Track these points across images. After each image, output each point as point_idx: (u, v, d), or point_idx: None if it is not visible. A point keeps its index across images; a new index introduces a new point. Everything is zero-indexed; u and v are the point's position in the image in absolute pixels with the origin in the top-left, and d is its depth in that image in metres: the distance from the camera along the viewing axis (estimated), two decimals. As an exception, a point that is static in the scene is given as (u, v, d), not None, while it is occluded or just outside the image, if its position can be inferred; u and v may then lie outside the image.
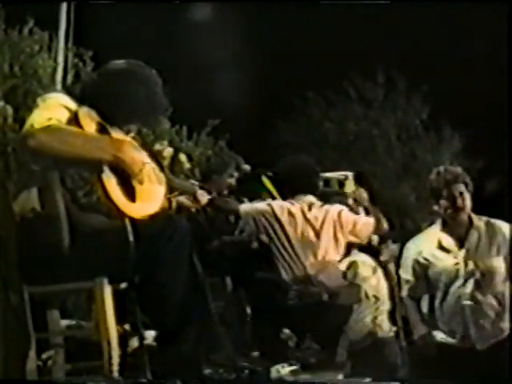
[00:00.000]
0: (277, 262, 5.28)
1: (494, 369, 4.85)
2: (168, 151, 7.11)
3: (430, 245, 5.07)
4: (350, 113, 18.44)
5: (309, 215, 5.28)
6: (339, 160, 16.87)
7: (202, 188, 5.41)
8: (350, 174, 6.20)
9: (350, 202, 6.02)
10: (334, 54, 16.14)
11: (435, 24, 15.82)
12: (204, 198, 5.11)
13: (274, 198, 5.74)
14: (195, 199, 5.06)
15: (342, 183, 6.15)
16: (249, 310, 5.28)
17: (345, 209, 5.41)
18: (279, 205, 5.32)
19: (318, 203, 5.35)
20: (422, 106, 18.31)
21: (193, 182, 5.75)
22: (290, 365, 4.33)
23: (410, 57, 16.56)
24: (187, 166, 7.33)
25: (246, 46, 15.82)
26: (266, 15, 15.63)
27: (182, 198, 5.01)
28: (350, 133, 18.47)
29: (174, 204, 4.58)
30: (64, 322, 4.06)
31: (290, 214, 5.27)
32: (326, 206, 5.34)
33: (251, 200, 5.89)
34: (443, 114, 17.24)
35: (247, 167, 5.87)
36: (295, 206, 5.29)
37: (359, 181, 6.17)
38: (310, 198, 5.34)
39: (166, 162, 6.80)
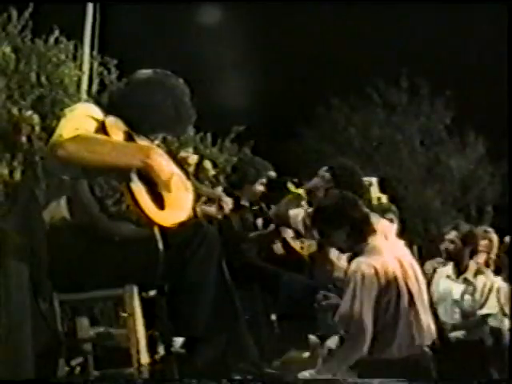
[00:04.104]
0: (309, 267, 5.31)
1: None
2: (193, 158, 7.14)
3: None
4: (373, 118, 18.40)
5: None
6: (363, 165, 16.80)
7: (231, 195, 5.44)
8: (374, 180, 6.21)
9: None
10: (357, 60, 16.12)
11: (459, 29, 15.76)
12: (228, 205, 5.12)
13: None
14: (220, 207, 5.08)
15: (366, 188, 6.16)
16: (275, 317, 5.29)
17: None
18: None
19: None
20: (445, 111, 18.24)
21: (218, 189, 5.77)
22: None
23: (434, 62, 16.52)
24: (212, 172, 7.36)
25: (270, 52, 15.84)
26: (290, 22, 15.65)
27: (206, 207, 5.03)
28: (374, 138, 18.42)
29: (199, 213, 4.61)
30: (93, 329, 4.09)
31: None
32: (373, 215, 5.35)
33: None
34: (467, 118, 17.17)
35: (273, 174, 5.87)
36: None
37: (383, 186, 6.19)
38: None
39: (191, 169, 6.83)
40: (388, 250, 4.48)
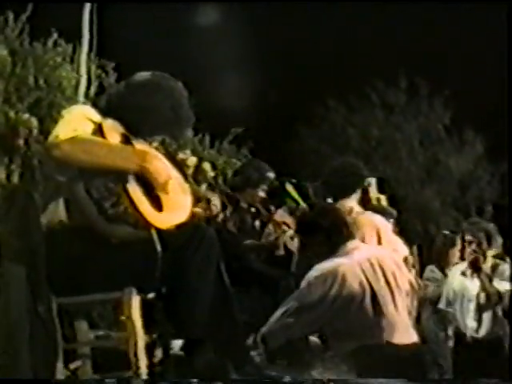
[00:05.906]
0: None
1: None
2: (192, 160, 7.15)
3: None
4: (372, 118, 18.40)
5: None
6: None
7: (230, 196, 5.45)
8: (373, 180, 6.19)
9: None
10: (356, 60, 16.13)
11: (458, 29, 15.77)
12: (216, 207, 5.14)
13: (298, 205, 5.73)
14: (208, 208, 5.09)
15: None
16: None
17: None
18: None
19: (357, 208, 5.33)
20: (444, 111, 18.25)
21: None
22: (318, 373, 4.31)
23: (432, 61, 16.53)
24: (211, 174, 7.36)
25: (269, 54, 15.84)
26: (288, 23, 15.66)
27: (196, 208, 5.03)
28: (373, 138, 18.43)
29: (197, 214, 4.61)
30: (91, 333, 4.08)
31: None
32: (368, 213, 5.33)
33: (277, 207, 5.90)
34: (465, 117, 17.18)
35: (271, 175, 5.86)
36: None
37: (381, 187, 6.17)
38: (351, 203, 5.32)
39: (189, 171, 6.83)
40: (360, 252, 4.58)
